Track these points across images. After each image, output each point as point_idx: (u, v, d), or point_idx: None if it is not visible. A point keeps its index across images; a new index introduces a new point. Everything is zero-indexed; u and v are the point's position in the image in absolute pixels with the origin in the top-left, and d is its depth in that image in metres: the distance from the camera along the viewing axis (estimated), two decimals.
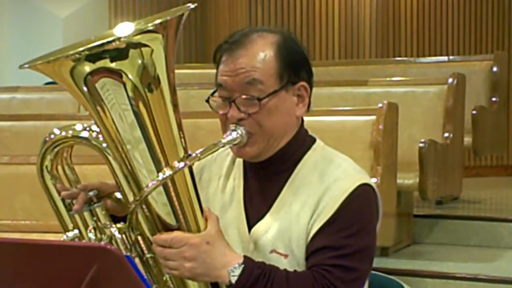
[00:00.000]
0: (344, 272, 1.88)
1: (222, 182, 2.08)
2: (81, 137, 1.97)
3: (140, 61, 1.72)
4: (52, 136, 2.00)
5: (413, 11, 7.68)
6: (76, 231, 2.01)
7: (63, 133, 1.99)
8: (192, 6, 1.78)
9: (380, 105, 4.19)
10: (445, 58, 6.47)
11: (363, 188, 1.94)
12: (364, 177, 1.97)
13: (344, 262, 1.88)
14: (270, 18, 7.61)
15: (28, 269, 1.69)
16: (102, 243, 1.93)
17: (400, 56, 7.45)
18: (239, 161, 2.07)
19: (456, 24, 7.71)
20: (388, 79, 5.40)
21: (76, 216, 2.00)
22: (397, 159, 4.33)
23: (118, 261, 1.60)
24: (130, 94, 1.74)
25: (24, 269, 1.70)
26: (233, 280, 1.83)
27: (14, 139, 4.66)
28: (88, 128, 1.96)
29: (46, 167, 2.02)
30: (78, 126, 1.98)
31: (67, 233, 2.02)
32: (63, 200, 2.02)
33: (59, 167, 2.04)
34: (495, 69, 5.82)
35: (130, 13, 7.87)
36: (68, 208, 2.02)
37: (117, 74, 1.72)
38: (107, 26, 7.47)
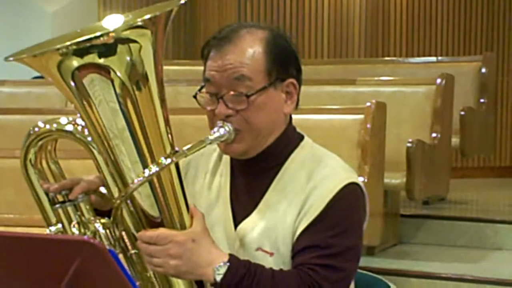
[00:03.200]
0: (330, 272, 1.86)
1: (208, 179, 2.06)
2: (66, 131, 1.95)
3: (128, 58, 1.71)
4: (36, 129, 1.97)
5: (402, 11, 7.69)
6: (59, 225, 1.99)
7: (47, 126, 1.97)
8: (182, 1, 1.76)
9: (368, 104, 4.18)
10: (433, 58, 6.48)
11: (351, 187, 1.93)
12: (352, 176, 1.96)
13: (330, 261, 1.86)
14: (259, 15, 7.60)
15: (10, 262, 1.67)
16: (85, 236, 1.91)
17: (389, 56, 7.45)
18: (226, 158, 2.05)
19: (445, 25, 7.73)
20: (376, 78, 5.40)
21: (60, 210, 1.98)
22: (385, 158, 4.33)
23: (101, 255, 1.58)
24: (118, 91, 1.72)
25: (7, 262, 1.68)
26: (218, 278, 1.81)
27: None
28: (73, 122, 1.94)
29: (30, 160, 1.99)
30: (63, 120, 1.96)
31: (50, 228, 2.00)
32: (46, 193, 1.99)
33: (43, 161, 2.02)
34: (483, 70, 5.83)
35: (119, 7, 7.84)
36: (52, 202, 1.99)
37: (105, 70, 1.70)
38: (96, 21, 7.42)
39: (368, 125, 4.11)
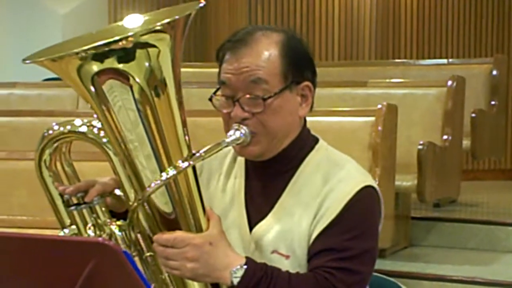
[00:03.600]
0: (347, 275, 1.86)
1: (222, 181, 2.06)
2: (80, 132, 1.95)
3: (147, 63, 1.70)
4: (51, 131, 1.97)
5: (413, 13, 7.67)
6: (74, 227, 1.99)
7: (62, 129, 1.96)
8: (201, 4, 1.75)
9: (379, 106, 4.18)
10: (444, 60, 6.46)
11: (367, 190, 1.93)
12: (367, 179, 1.96)
13: (346, 264, 1.86)
14: (270, 18, 7.59)
15: (24, 264, 1.67)
16: (100, 238, 1.91)
17: (399, 58, 7.43)
18: (241, 160, 2.05)
19: (456, 27, 7.71)
20: (387, 80, 5.40)
21: (75, 212, 1.98)
22: (396, 161, 4.32)
23: (116, 256, 1.58)
24: (137, 96, 1.72)
25: (21, 264, 1.68)
26: (235, 281, 1.81)
27: (11, 135, 4.64)
28: (87, 124, 1.94)
29: (45, 162, 1.99)
30: (77, 122, 1.96)
31: (64, 230, 2.00)
32: (61, 195, 1.99)
33: (58, 163, 2.02)
34: (494, 72, 5.81)
35: (130, 9, 7.85)
36: (66, 204, 1.99)
37: (124, 76, 1.70)
38: (106, 23, 7.44)
39: (379, 127, 4.11)
